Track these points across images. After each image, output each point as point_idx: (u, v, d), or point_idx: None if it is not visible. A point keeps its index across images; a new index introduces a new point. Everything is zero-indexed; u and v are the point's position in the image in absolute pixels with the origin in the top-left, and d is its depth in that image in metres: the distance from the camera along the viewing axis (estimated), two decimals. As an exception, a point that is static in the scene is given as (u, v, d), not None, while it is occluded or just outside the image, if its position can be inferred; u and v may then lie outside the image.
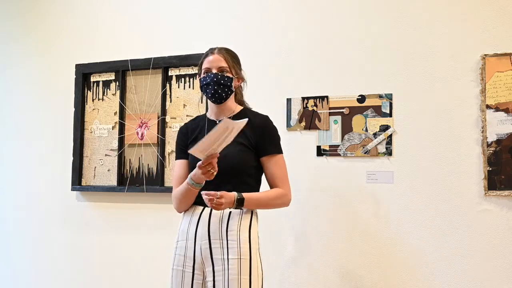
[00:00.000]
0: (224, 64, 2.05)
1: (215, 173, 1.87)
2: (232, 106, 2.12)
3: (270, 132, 2.08)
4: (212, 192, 1.85)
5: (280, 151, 2.08)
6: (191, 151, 1.81)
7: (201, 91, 2.09)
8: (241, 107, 2.15)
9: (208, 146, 1.80)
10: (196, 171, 1.90)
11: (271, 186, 2.07)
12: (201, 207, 2.01)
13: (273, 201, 2.03)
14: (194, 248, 1.97)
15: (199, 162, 1.87)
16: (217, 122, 2.08)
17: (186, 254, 1.99)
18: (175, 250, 2.04)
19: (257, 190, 2.07)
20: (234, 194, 1.91)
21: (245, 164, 2.02)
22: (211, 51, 2.09)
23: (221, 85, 2.03)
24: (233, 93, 2.10)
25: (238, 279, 1.88)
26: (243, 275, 1.89)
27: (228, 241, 1.93)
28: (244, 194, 1.94)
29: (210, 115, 2.14)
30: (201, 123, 2.15)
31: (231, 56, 2.09)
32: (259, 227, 2.09)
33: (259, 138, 2.04)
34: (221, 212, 1.97)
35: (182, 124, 2.95)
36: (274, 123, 2.13)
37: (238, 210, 1.97)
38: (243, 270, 1.90)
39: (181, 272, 1.98)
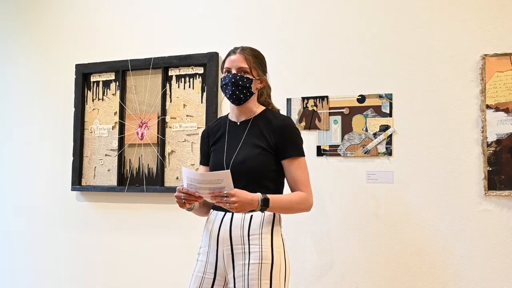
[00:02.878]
0: (244, 64, 1.98)
1: (187, 205, 1.85)
2: (254, 107, 2.04)
3: (291, 133, 1.97)
4: (217, 191, 1.75)
5: (302, 154, 1.97)
6: (184, 170, 1.79)
7: (221, 90, 2.04)
8: (263, 108, 2.07)
9: (196, 179, 1.77)
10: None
11: (292, 190, 1.96)
12: (223, 213, 1.95)
13: (296, 205, 1.92)
14: (217, 255, 1.93)
15: (179, 186, 1.83)
16: (238, 123, 2.05)
17: (208, 260, 1.95)
18: (197, 256, 2.01)
19: (279, 194, 1.96)
20: (258, 194, 1.81)
21: (265, 167, 1.94)
22: (234, 50, 2.02)
23: (240, 87, 1.96)
24: (254, 94, 2.02)
25: (258, 284, 1.82)
26: (263, 280, 1.83)
27: (250, 246, 1.86)
28: (269, 195, 1.84)
29: (231, 116, 2.08)
30: (223, 125, 2.10)
31: (253, 57, 2.01)
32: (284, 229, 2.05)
33: (279, 140, 1.95)
34: (243, 217, 1.90)
35: (182, 124, 2.99)
36: None
37: (260, 214, 1.89)
38: (263, 275, 1.84)
39: (201, 278, 1.94)
